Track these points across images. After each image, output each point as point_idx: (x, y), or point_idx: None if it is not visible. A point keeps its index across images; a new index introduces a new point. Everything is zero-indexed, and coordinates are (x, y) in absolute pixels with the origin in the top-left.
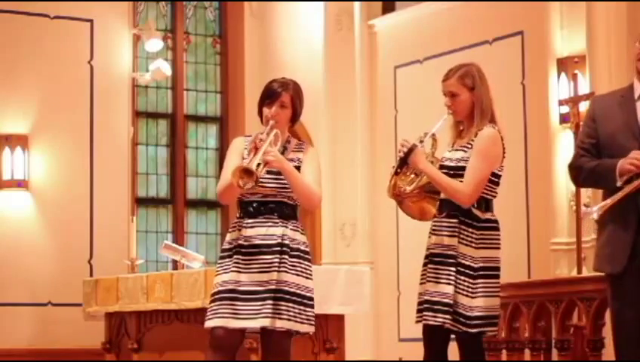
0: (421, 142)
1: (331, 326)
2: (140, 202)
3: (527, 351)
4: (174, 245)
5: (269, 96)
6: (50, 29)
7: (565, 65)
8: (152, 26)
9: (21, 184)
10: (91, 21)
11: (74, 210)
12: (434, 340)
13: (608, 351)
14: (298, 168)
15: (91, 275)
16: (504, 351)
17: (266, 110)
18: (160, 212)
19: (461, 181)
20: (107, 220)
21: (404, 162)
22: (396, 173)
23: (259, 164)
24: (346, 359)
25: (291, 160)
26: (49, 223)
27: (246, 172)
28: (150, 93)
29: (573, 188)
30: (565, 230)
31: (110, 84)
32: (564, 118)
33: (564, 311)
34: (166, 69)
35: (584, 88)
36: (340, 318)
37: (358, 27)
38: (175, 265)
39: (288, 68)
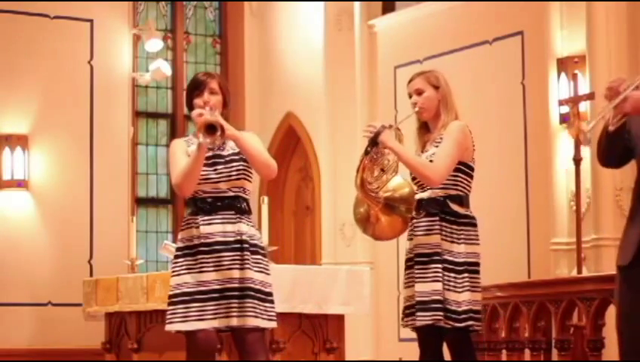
0: (390, 126)
1: (331, 326)
2: (140, 202)
3: (527, 351)
4: (174, 245)
5: (196, 86)
6: (50, 29)
7: (565, 65)
8: (152, 26)
9: (21, 184)
10: (91, 21)
11: (74, 210)
12: (428, 340)
13: (608, 351)
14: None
15: (91, 275)
16: (504, 351)
17: (196, 100)
18: (160, 212)
19: None
20: (107, 220)
21: (373, 142)
22: (366, 153)
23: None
24: (346, 359)
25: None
26: (49, 223)
27: (210, 128)
28: (150, 93)
29: (573, 188)
30: (565, 230)
31: (110, 84)
32: (564, 118)
33: (564, 311)
34: (166, 69)
35: (584, 88)
36: (339, 318)
37: (358, 27)
38: None
39: (288, 68)
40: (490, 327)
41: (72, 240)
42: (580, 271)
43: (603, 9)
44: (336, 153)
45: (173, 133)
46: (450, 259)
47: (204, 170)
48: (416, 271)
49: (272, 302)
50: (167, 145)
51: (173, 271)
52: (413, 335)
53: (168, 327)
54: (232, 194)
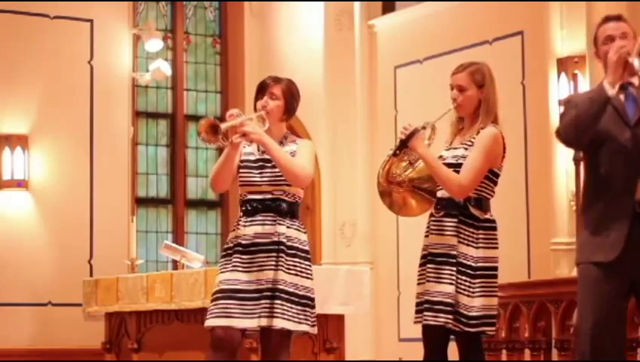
0: (423, 128)
1: (331, 326)
2: (140, 202)
3: (527, 351)
4: (174, 245)
5: (260, 89)
6: (50, 28)
7: (565, 65)
8: (152, 26)
9: (21, 184)
10: (91, 21)
11: (74, 210)
12: (434, 340)
13: None
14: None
15: (91, 275)
16: (504, 351)
17: (257, 103)
18: (160, 212)
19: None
20: (107, 220)
21: (404, 145)
22: (394, 155)
23: (227, 133)
24: (346, 359)
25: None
26: (49, 223)
27: (212, 128)
28: (150, 93)
29: (573, 188)
30: (565, 230)
31: (110, 84)
32: None
33: (564, 311)
34: (166, 69)
35: (584, 88)
36: (340, 318)
37: (358, 27)
38: (175, 265)
39: (288, 68)
40: None
41: (72, 240)
42: None
43: (603, 9)
44: (336, 153)
45: (174, 133)
46: (465, 262)
47: (249, 173)
48: (429, 270)
49: (307, 306)
50: (167, 145)
51: (218, 270)
52: (414, 335)
53: (205, 324)
54: (273, 196)
